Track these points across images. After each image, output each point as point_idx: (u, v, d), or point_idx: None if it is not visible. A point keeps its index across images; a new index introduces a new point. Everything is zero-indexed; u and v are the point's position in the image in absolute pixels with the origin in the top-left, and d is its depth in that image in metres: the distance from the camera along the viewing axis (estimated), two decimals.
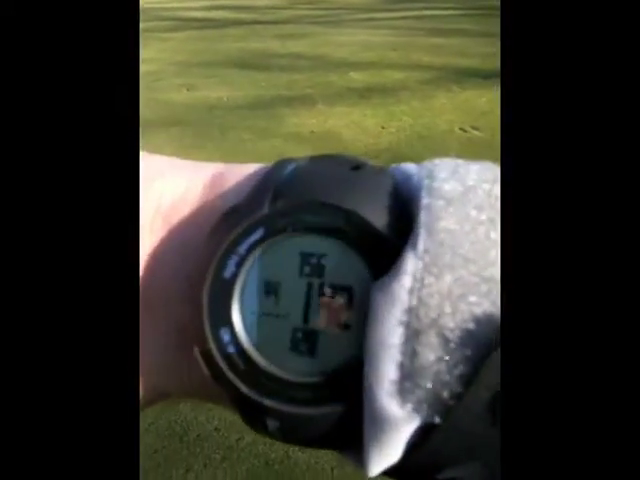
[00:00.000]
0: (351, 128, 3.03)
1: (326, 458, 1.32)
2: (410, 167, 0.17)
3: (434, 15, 5.36)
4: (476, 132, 2.82)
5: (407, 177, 0.17)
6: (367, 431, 0.16)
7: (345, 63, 4.23)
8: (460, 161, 0.17)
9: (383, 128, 3.02)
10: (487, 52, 4.00)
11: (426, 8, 5.82)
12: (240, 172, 0.19)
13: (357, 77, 3.90)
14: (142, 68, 4.44)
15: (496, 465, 0.15)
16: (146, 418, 1.42)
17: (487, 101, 3.17)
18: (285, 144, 2.86)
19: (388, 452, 0.16)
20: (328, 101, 3.43)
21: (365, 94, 3.55)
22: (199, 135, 3.08)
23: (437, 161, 0.17)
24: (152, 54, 4.93)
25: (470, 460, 0.15)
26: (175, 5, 7.67)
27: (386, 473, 0.17)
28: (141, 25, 6.35)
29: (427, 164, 0.17)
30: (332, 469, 1.28)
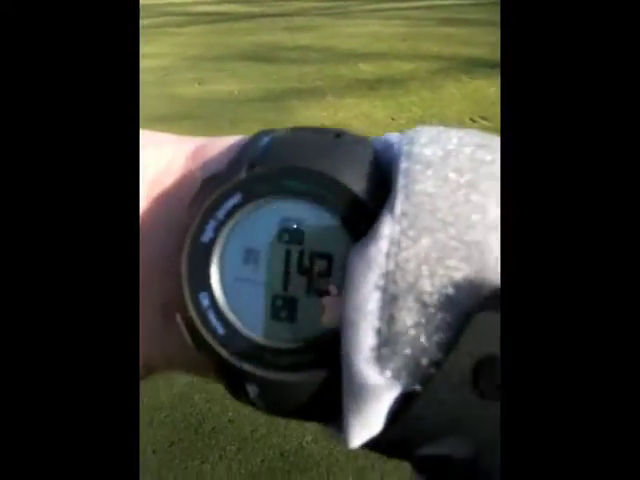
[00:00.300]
0: (361, 120, 3.02)
1: (339, 448, 1.32)
2: (392, 136, 0.17)
3: (444, 5, 5.31)
4: (485, 122, 2.80)
5: (388, 145, 0.17)
6: (346, 400, 0.16)
7: (354, 55, 4.21)
8: (442, 127, 0.17)
9: (393, 119, 3.01)
10: (497, 41, 3.95)
11: None
12: (222, 144, 0.19)
13: (366, 68, 3.88)
14: (153, 63, 4.46)
15: (481, 440, 0.15)
16: (161, 411, 1.43)
17: (496, 91, 3.14)
18: None
19: (369, 422, 0.15)
20: (338, 93, 3.42)
21: (374, 85, 3.53)
22: (210, 128, 3.09)
23: (419, 128, 0.17)
24: (163, 49, 4.94)
25: (453, 433, 0.15)
26: (185, 0, 7.66)
27: (367, 446, 0.16)
28: (152, 20, 6.35)
29: (409, 132, 0.17)
30: (347, 460, 1.29)
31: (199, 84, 3.89)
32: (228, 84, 3.81)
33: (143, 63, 4.50)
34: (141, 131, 0.20)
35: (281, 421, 1.39)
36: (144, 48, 5.04)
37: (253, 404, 0.17)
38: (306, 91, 3.51)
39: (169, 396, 1.48)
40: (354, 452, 1.32)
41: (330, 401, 0.16)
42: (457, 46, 4.21)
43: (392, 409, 0.15)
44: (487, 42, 4.14)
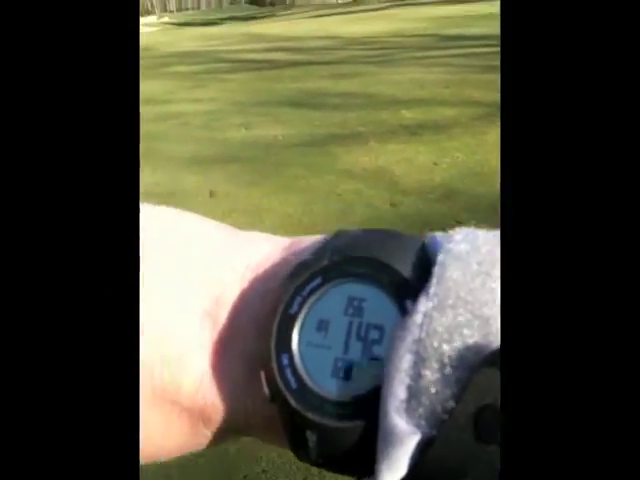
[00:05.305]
0: (403, 165, 3.04)
1: None
2: (439, 234, 0.22)
3: (486, 52, 5.35)
4: None
5: (435, 241, 0.22)
6: (379, 446, 0.19)
7: (397, 101, 4.26)
8: (473, 229, 0.22)
9: (435, 164, 3.01)
10: None
11: (479, 45, 5.83)
12: (310, 239, 0.24)
13: (409, 115, 3.92)
14: (202, 107, 4.61)
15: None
16: (193, 457, 1.42)
17: None
18: (338, 181, 2.89)
19: (396, 466, 0.19)
20: (380, 138, 3.46)
21: (417, 131, 3.56)
22: (255, 172, 3.15)
23: (458, 229, 0.22)
24: (212, 94, 5.11)
25: (460, 476, 0.18)
26: (235, 47, 7.96)
27: None
28: (202, 67, 6.56)
29: (450, 231, 0.22)
30: None
31: (246, 129, 3.99)
32: (273, 129, 3.90)
33: (193, 107, 4.67)
34: (246, 231, 0.26)
35: (315, 472, 1.36)
36: (195, 93, 5.23)
37: (308, 455, 0.21)
38: (349, 137, 3.56)
39: None
40: None
41: (368, 448, 0.19)
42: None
43: (415, 454, 0.19)
44: None
